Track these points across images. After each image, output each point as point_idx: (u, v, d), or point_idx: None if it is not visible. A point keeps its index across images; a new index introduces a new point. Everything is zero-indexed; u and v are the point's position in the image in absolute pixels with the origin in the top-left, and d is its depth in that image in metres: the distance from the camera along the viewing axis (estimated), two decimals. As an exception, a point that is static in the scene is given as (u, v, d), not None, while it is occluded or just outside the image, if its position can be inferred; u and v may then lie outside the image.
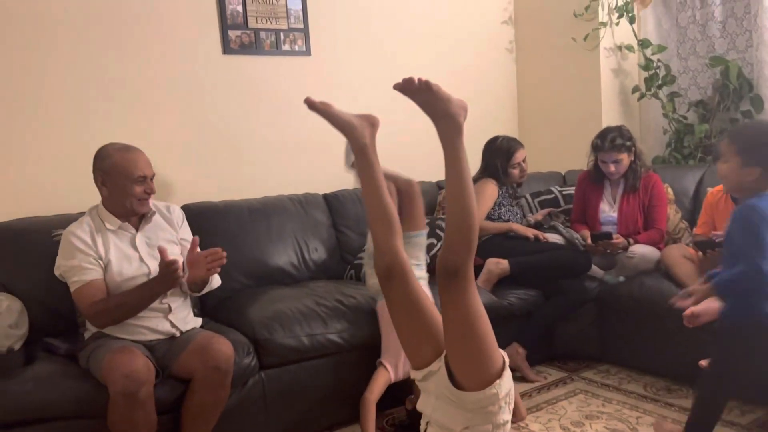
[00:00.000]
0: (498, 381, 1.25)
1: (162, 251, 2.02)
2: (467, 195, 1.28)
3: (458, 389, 1.26)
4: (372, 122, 1.48)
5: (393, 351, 2.39)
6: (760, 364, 2.00)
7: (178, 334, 2.17)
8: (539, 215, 3.36)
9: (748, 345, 1.97)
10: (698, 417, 2.04)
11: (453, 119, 1.29)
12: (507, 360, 1.30)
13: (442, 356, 1.30)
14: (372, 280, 2.43)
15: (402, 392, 2.43)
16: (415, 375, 1.37)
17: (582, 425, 2.45)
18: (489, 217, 3.14)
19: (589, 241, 2.99)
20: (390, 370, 2.37)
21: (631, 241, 3.01)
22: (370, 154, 1.44)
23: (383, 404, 2.43)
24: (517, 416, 2.48)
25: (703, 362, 2.39)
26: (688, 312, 2.50)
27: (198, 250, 2.15)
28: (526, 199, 3.50)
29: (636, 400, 2.66)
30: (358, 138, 1.43)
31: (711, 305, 2.52)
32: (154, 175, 2.21)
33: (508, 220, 3.17)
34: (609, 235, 2.96)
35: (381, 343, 2.43)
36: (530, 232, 3.06)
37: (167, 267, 2.01)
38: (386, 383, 2.37)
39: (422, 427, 1.35)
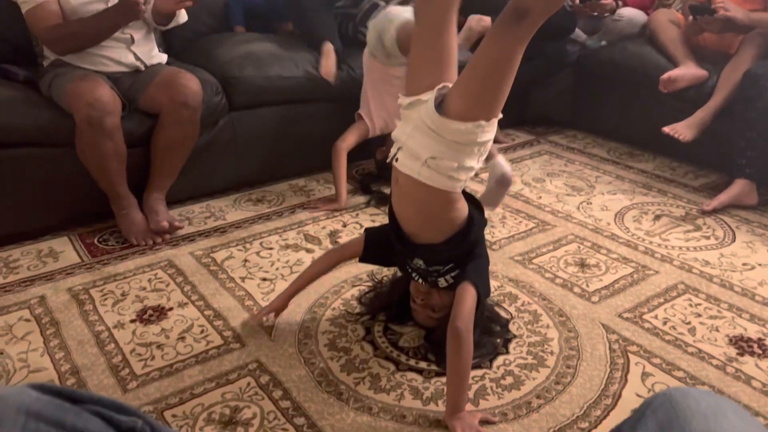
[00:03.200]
0: (485, 123, 1.25)
1: None
2: None
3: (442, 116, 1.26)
4: None
5: (368, 106, 2.37)
6: None
7: (142, 67, 2.09)
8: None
9: None
10: None
11: None
12: (500, 116, 1.29)
13: (435, 89, 1.30)
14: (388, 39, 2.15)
15: (374, 146, 2.47)
16: (403, 101, 1.36)
17: (542, 181, 2.56)
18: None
19: (577, 1, 2.85)
20: (367, 122, 2.37)
21: (620, 3, 2.88)
22: None
23: (354, 156, 2.48)
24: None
25: (666, 128, 2.44)
26: (665, 76, 2.51)
27: None
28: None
29: (598, 162, 2.75)
30: None
31: (687, 71, 2.52)
32: None
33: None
34: (599, -5, 2.81)
35: (360, 95, 2.40)
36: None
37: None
38: (362, 136, 2.38)
39: (393, 152, 1.38)
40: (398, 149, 1.35)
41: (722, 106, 2.39)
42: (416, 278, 1.49)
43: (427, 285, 1.48)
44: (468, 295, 1.36)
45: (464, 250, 1.42)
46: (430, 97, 1.29)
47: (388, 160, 1.39)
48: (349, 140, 2.34)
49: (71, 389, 0.53)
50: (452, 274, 1.43)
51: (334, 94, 2.44)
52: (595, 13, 2.86)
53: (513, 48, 1.20)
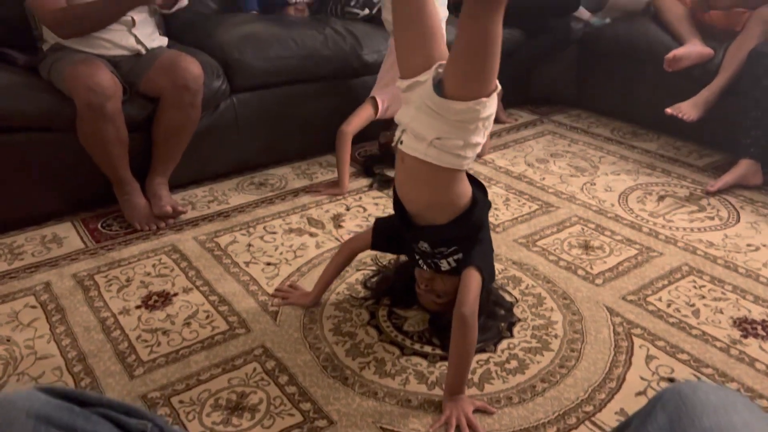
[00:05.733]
0: (485, 99, 1.25)
1: None
2: None
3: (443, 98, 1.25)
4: None
5: (387, 88, 2.34)
6: None
7: (143, 51, 2.06)
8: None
9: None
10: None
11: None
12: (499, 88, 1.29)
13: (432, 69, 1.29)
14: (387, 16, 2.25)
15: (377, 128, 2.45)
16: (401, 84, 1.36)
17: (546, 162, 2.54)
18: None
19: (580, -22, 2.81)
20: (379, 105, 2.34)
21: (624, -20, 2.84)
22: None
23: (357, 138, 2.46)
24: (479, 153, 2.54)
25: (669, 109, 2.42)
26: (669, 55, 2.48)
27: None
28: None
29: (601, 142, 2.74)
30: None
31: (693, 49, 2.49)
32: None
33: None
34: (603, -28, 2.78)
35: (378, 76, 2.38)
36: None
37: None
38: (367, 119, 2.35)
39: (397, 135, 1.37)
40: (402, 132, 1.35)
41: (727, 85, 2.37)
42: (421, 264, 1.49)
43: (431, 270, 1.48)
44: (473, 280, 1.36)
45: (468, 233, 1.42)
46: (427, 78, 1.28)
47: (393, 144, 1.39)
48: (354, 124, 2.31)
49: (80, 391, 0.53)
50: (455, 257, 1.43)
51: (335, 72, 2.42)
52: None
53: (496, 20, 1.17)
